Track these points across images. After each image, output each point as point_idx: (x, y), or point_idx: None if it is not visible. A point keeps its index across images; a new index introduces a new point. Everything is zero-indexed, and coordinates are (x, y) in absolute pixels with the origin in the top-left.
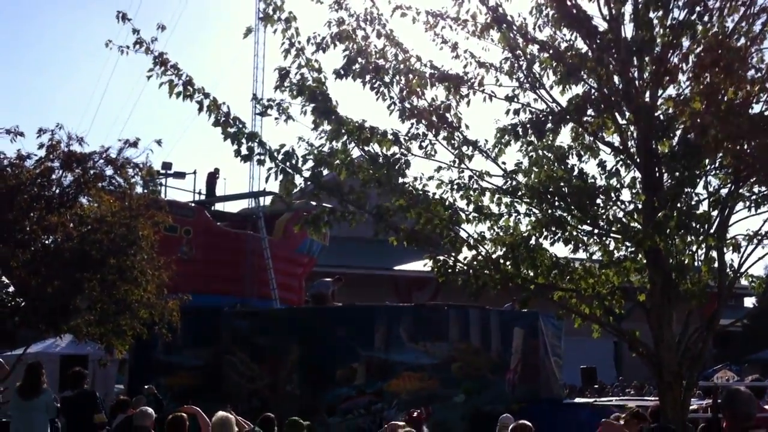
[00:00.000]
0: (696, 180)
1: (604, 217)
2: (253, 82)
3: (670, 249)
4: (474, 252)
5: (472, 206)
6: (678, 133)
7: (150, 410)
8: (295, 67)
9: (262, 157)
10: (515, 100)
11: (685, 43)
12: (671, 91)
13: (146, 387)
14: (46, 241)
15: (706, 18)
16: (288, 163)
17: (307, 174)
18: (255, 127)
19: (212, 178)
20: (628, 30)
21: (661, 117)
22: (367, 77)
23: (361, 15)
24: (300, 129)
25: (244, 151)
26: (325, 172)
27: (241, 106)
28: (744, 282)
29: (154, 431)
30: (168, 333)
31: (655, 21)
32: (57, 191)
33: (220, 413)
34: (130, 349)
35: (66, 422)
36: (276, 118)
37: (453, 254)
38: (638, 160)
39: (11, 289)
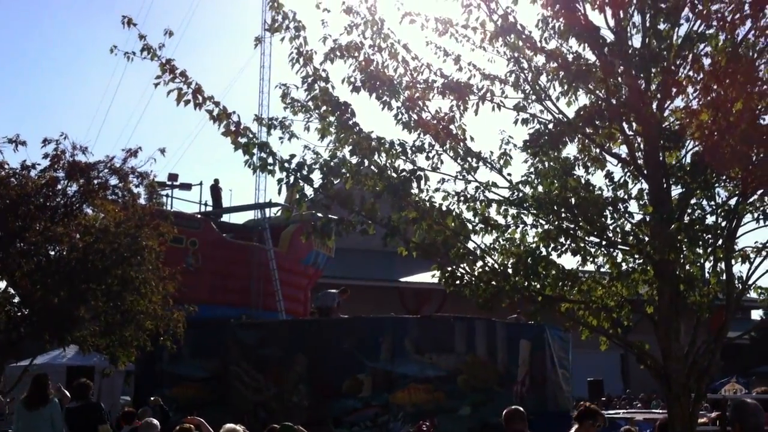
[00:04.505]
0: (713, 191)
1: (611, 228)
2: (259, 94)
3: (681, 261)
4: (481, 263)
5: (478, 218)
6: (687, 144)
7: (155, 422)
8: (303, 76)
9: (273, 168)
10: (524, 110)
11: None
12: (679, 102)
13: (152, 398)
14: (51, 252)
15: (714, 30)
16: (299, 174)
17: (317, 184)
18: (263, 139)
19: (215, 189)
20: (635, 41)
21: (670, 128)
22: (379, 89)
23: (369, 21)
24: (304, 141)
25: (255, 161)
26: (335, 182)
27: (249, 117)
28: (753, 294)
29: None
30: (172, 345)
31: (663, 33)
32: (62, 201)
33: (228, 425)
34: (135, 360)
35: None
36: (280, 138)
37: (462, 265)
38: (646, 171)
39: (16, 299)
